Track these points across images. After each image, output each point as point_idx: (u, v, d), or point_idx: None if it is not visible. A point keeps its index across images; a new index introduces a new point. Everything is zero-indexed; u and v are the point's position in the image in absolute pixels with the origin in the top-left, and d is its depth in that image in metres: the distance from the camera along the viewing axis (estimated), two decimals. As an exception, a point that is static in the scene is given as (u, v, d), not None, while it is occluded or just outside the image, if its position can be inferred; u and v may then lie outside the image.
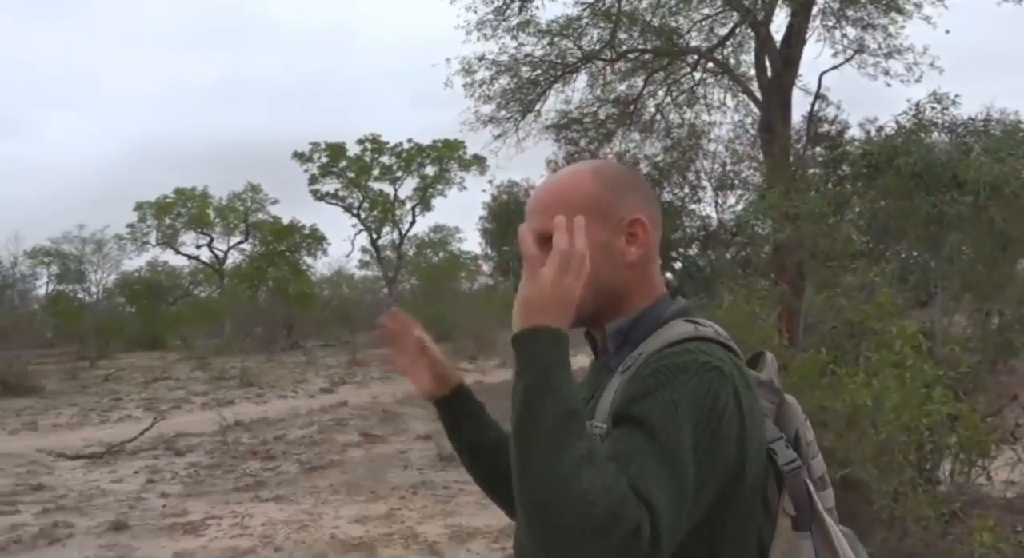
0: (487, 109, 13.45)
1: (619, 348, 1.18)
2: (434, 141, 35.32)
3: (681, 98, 15.36)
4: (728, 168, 12.95)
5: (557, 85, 13.91)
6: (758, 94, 12.64)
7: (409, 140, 36.18)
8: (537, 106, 13.62)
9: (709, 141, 13.21)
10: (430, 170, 36.14)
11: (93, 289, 39.87)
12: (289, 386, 16.96)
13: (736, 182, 13.01)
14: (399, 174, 36.33)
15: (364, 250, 42.58)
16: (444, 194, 36.29)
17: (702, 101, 15.32)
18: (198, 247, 42.91)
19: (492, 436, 1.38)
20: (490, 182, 11.84)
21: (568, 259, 1.04)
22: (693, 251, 12.32)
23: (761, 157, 13.16)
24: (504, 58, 12.84)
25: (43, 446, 10.11)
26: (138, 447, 9.57)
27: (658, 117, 15.23)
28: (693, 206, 12.54)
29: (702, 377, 1.03)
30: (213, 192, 41.88)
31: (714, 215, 12.63)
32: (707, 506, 1.02)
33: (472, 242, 66.91)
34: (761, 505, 1.10)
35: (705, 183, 12.63)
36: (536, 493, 0.94)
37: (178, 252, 43.24)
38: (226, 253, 43.23)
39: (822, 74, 12.83)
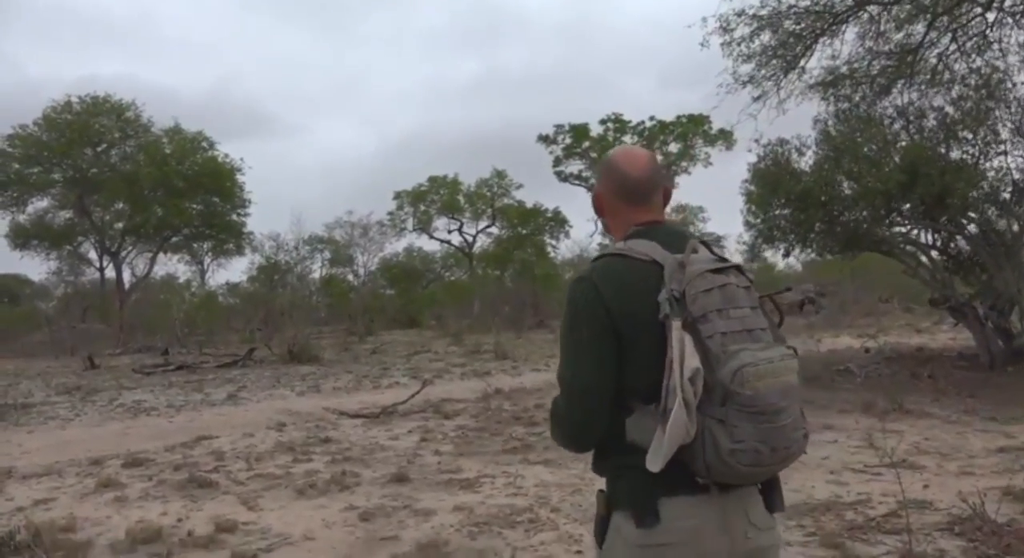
0: (746, 69, 12.64)
1: None
2: (677, 117, 34.40)
3: (969, 44, 13.54)
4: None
5: (823, 38, 12.76)
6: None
7: (651, 118, 35.60)
8: (801, 62, 12.59)
9: (1013, 86, 11.40)
10: (673, 147, 35.29)
11: (360, 271, 43.17)
12: (541, 360, 17.20)
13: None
14: (642, 153, 35.83)
15: (604, 233, 42.56)
16: (688, 171, 35.29)
17: (996, 46, 13.42)
18: (449, 232, 45.18)
19: None
20: (756, 141, 11.02)
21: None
22: (991, 213, 10.72)
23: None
24: (765, 12, 11.94)
25: (327, 406, 10.92)
26: (409, 409, 10.02)
27: (941, 68, 13.53)
28: (987, 163, 10.88)
29: (569, 290, 1.74)
30: (463, 179, 43.80)
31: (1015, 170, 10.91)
32: (612, 351, 1.66)
33: (716, 222, 64.79)
34: (661, 340, 1.61)
35: (1005, 136, 10.92)
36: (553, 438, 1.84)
37: (431, 237, 45.78)
38: (475, 237, 45.12)
39: None
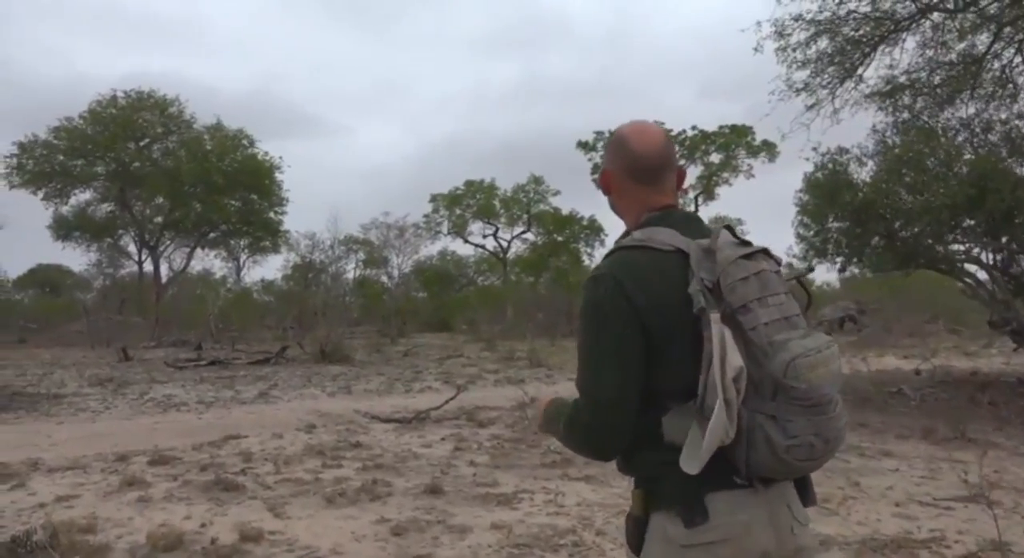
0: (800, 76, 12.18)
1: None
2: (720, 127, 33.83)
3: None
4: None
5: (883, 46, 12.28)
6: None
7: (693, 127, 35.08)
8: (859, 70, 12.11)
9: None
10: (715, 157, 34.73)
11: (394, 273, 43.14)
12: (576, 370, 16.82)
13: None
14: (682, 162, 35.30)
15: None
16: (729, 182, 34.67)
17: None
18: (484, 236, 45.00)
19: None
20: (814, 149, 10.56)
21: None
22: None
23: None
24: (824, 16, 11.49)
25: (358, 408, 10.67)
26: (442, 416, 9.73)
27: (1005, 80, 12.97)
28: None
29: (587, 291, 1.63)
30: (500, 184, 43.60)
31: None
32: (640, 353, 1.55)
33: (755, 235, 63.85)
34: (696, 335, 1.52)
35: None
36: (568, 447, 1.73)
37: (466, 241, 45.62)
38: (510, 242, 44.89)
39: None
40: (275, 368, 17.40)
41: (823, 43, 11.78)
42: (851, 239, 10.04)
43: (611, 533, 4.90)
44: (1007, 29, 12.50)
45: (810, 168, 10.34)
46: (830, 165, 10.27)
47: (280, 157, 35.37)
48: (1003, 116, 10.74)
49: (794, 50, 11.78)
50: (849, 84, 12.42)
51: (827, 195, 9.19)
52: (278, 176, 34.60)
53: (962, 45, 12.57)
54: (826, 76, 12.02)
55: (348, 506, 5.58)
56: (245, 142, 34.18)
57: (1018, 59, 12.98)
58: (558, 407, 1.76)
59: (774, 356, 1.49)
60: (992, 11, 12.31)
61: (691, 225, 1.67)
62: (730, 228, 1.64)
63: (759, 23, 11.88)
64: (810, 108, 12.25)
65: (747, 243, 1.61)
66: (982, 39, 12.83)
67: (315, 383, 14.18)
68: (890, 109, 11.89)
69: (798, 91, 12.04)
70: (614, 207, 1.82)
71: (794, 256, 11.70)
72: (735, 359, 1.48)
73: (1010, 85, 13.01)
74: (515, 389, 13.46)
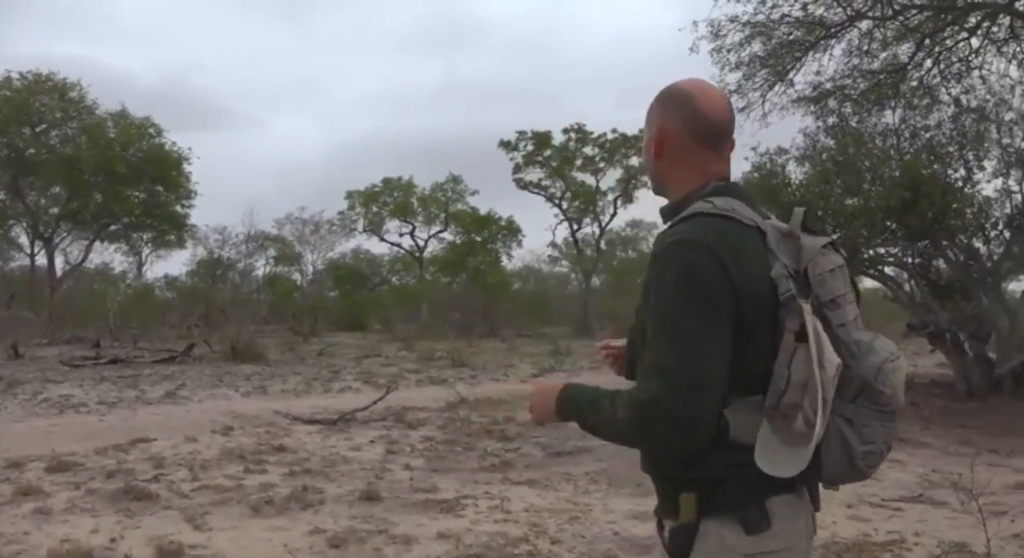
0: (733, 78, 12.24)
1: (666, 223, 1.51)
2: (641, 130, 34.14)
3: (951, 70, 13.41)
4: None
5: (812, 52, 12.45)
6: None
7: (614, 130, 35.33)
8: (790, 74, 12.23)
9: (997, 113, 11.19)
10: (635, 161, 35.05)
11: (309, 269, 42.05)
12: (498, 369, 16.55)
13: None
14: (602, 165, 35.53)
15: (554, 246, 42.34)
16: (648, 186, 35.09)
17: (977, 73, 13.30)
18: (401, 235, 44.30)
19: None
20: (753, 149, 10.56)
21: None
22: (979, 239, 10.47)
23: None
24: (759, 18, 11.55)
25: (277, 409, 10.09)
26: (368, 417, 9.26)
27: (922, 92, 13.36)
28: (972, 189, 10.62)
29: (676, 256, 1.38)
30: (418, 183, 43.01)
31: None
32: (731, 336, 1.36)
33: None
34: (771, 323, 1.38)
35: (985, 164, 10.71)
36: (620, 439, 1.46)
37: (382, 239, 44.83)
38: (426, 241, 44.33)
39: None
40: (182, 367, 16.46)
41: (756, 46, 11.87)
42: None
43: (567, 541, 4.61)
44: (927, 41, 12.88)
45: (748, 168, 10.39)
46: (767, 165, 10.31)
47: (189, 148, 33.55)
48: (928, 123, 10.94)
49: (728, 52, 11.84)
50: (779, 88, 12.57)
51: (767, 195, 9.19)
52: (186, 167, 33.02)
53: (885, 54, 12.87)
54: (758, 79, 12.14)
55: (277, 516, 5.11)
56: (152, 131, 32.50)
57: (935, 70, 13.41)
58: (586, 394, 1.52)
59: (864, 358, 1.42)
60: (915, 23, 12.66)
61: (755, 202, 1.53)
62: (806, 213, 1.49)
63: (695, 23, 11.89)
64: (741, 111, 12.32)
65: (815, 232, 1.49)
66: (904, 50, 13.19)
67: (227, 383, 13.43)
68: (819, 113, 12.05)
69: (731, 93, 12.09)
70: (659, 173, 1.60)
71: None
72: (831, 355, 1.36)
73: (927, 96, 13.42)
74: (439, 389, 13.10)
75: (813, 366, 1.34)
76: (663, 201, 1.62)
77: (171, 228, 34.72)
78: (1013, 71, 12.96)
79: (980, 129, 9.96)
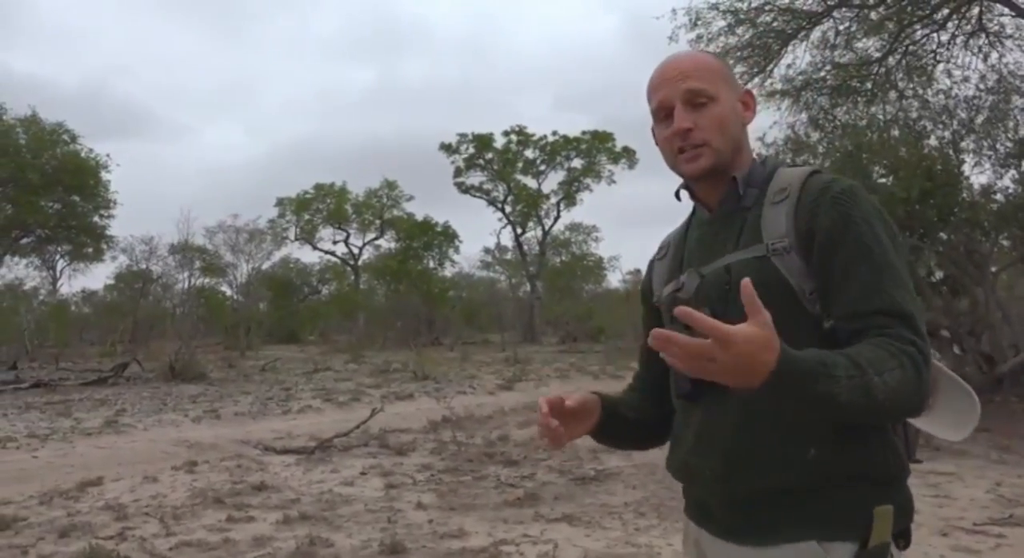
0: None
1: (746, 191, 1.35)
2: (583, 132, 33.73)
3: (918, 63, 13.19)
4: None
5: (793, 41, 12.01)
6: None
7: (554, 132, 34.79)
8: (770, 66, 11.74)
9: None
10: (577, 163, 34.59)
11: (239, 280, 40.22)
12: (464, 381, 15.65)
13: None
14: (543, 168, 34.92)
15: (487, 251, 41.60)
16: (590, 189, 34.63)
17: (941, 67, 13.13)
18: (335, 243, 42.89)
19: (631, 416, 1.50)
20: (759, 139, 10.01)
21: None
22: (978, 234, 10.13)
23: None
24: (741, 6, 10.99)
25: (238, 437, 9.00)
26: (348, 443, 8.26)
27: (888, 86, 13.11)
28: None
29: (866, 198, 1.27)
30: (352, 189, 41.72)
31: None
32: None
33: (610, 242, 65.19)
34: None
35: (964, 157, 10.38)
36: (892, 412, 1.16)
37: (315, 247, 43.34)
38: (361, 249, 43.02)
39: None
40: (116, 389, 15.02)
41: (738, 35, 11.32)
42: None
43: (659, 600, 3.79)
44: (900, 34, 12.62)
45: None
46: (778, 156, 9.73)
47: (108, 155, 31.54)
48: (911, 115, 10.56)
49: (709, 42, 11.24)
50: (756, 81, 12.07)
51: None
52: (105, 176, 31.02)
53: (860, 44, 12.55)
54: (739, 69, 11.58)
55: (287, 581, 4.16)
56: (66, 137, 30.43)
57: (903, 62, 13.18)
58: (807, 351, 1.09)
59: None
60: (873, 17, 12.38)
61: None
62: None
63: (674, 10, 11.26)
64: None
65: None
66: (874, 43, 12.92)
67: (172, 406, 12.16)
68: (799, 106, 11.58)
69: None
70: (737, 138, 1.37)
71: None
72: None
73: (890, 89, 13.18)
74: (407, 405, 12.17)
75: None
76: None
77: (89, 240, 32.61)
78: (980, 64, 12.86)
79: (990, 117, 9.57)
